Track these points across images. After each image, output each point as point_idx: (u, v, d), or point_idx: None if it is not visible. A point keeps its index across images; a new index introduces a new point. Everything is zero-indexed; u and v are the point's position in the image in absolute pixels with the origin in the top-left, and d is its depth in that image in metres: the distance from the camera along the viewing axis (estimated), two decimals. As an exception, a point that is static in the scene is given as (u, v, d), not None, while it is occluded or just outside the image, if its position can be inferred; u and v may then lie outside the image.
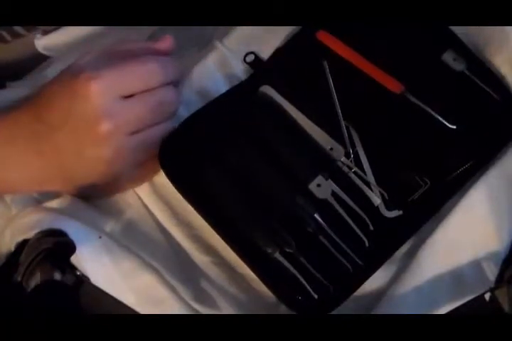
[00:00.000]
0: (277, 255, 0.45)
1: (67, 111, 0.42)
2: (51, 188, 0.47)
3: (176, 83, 0.48)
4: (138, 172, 0.47)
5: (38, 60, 0.58)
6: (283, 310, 0.46)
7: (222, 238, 0.46)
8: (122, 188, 0.49)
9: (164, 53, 0.48)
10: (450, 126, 0.48)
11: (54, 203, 0.48)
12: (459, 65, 0.49)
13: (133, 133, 0.44)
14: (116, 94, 0.42)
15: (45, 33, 0.56)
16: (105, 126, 0.42)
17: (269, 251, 0.45)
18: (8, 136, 0.44)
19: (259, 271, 0.45)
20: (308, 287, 0.45)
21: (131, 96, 0.44)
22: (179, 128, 0.48)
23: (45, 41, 0.56)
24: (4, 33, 0.54)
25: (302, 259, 0.45)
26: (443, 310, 0.44)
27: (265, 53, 0.52)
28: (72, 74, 0.42)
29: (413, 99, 0.49)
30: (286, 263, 0.45)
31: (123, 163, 0.45)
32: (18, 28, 0.54)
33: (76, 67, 0.43)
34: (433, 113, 0.48)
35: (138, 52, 0.46)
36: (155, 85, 0.45)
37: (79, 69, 0.42)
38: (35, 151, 0.43)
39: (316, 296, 0.45)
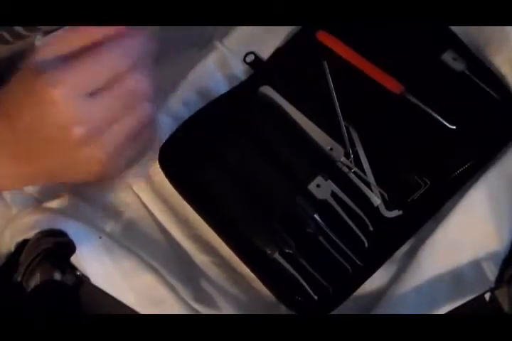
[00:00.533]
0: (277, 255, 0.45)
1: (36, 121, 0.39)
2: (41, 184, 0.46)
3: (144, 60, 0.43)
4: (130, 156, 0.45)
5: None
6: (283, 310, 0.46)
7: (222, 238, 0.46)
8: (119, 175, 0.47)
9: (118, 36, 0.42)
10: (450, 126, 0.48)
11: (54, 203, 0.48)
12: (459, 65, 0.49)
13: (111, 125, 0.41)
14: (81, 94, 0.39)
15: (46, 33, 0.56)
16: (78, 131, 0.39)
17: (269, 251, 0.45)
18: None
19: (259, 272, 0.45)
20: (307, 287, 0.45)
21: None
22: (179, 129, 0.48)
23: (46, 42, 0.56)
24: (5, 34, 0.54)
25: (302, 260, 0.45)
26: (443, 310, 0.44)
27: (265, 53, 0.52)
28: (32, 79, 0.39)
29: (413, 99, 0.49)
30: (285, 264, 0.45)
31: (117, 155, 0.43)
32: (19, 29, 0.54)
33: (35, 70, 0.39)
34: (433, 113, 0.48)
35: (92, 42, 0.41)
36: (119, 74, 0.41)
37: (38, 72, 0.39)
38: (15, 158, 0.41)
39: (315, 297, 0.45)
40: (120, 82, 0.41)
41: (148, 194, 0.49)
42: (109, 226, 0.48)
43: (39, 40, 0.56)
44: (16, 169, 0.42)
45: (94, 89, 0.40)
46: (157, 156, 0.48)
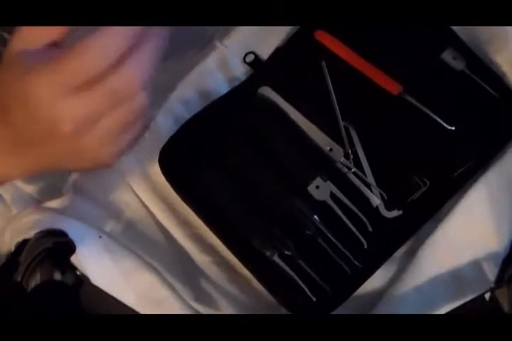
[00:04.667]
0: (276, 258, 0.45)
1: (28, 118, 0.39)
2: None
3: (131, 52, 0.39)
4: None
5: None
6: (283, 310, 0.46)
7: (221, 240, 0.46)
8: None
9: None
10: (448, 127, 0.48)
11: (54, 203, 0.48)
12: (458, 64, 0.49)
13: (101, 118, 0.39)
14: (67, 90, 0.38)
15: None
16: (66, 128, 0.39)
17: (268, 253, 0.45)
18: None
19: (258, 274, 0.45)
20: (306, 290, 0.45)
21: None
22: (179, 130, 0.48)
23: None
24: (5, 34, 0.54)
25: (301, 262, 0.45)
26: (443, 310, 0.44)
27: (265, 53, 0.52)
28: (18, 76, 0.38)
29: (411, 100, 0.49)
30: (284, 266, 0.45)
31: (110, 145, 0.42)
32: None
33: (18, 71, 0.39)
34: (431, 114, 0.48)
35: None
36: (100, 71, 0.38)
37: (24, 69, 0.38)
38: (15, 147, 0.41)
39: (314, 299, 0.45)
40: (115, 73, 0.39)
41: (148, 194, 0.49)
42: (109, 226, 0.48)
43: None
44: (17, 158, 0.42)
45: (84, 83, 0.38)
46: (157, 157, 0.48)
